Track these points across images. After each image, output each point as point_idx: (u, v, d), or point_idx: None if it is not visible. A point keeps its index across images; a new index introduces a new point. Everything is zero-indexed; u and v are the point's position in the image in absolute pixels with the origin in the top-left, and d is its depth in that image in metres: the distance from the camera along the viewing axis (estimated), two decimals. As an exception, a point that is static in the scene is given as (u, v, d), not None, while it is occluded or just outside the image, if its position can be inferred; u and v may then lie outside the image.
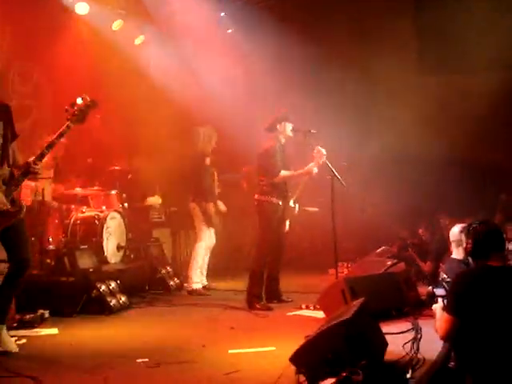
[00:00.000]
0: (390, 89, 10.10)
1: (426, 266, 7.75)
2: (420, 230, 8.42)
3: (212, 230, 7.48)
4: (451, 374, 3.29)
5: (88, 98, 4.65)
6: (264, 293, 6.60)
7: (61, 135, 4.59)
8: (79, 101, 4.64)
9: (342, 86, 10.08)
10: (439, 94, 9.87)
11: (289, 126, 6.61)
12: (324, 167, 6.55)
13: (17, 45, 7.88)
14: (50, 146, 4.55)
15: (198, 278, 7.38)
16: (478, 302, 3.18)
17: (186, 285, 7.44)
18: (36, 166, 4.49)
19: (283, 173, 6.51)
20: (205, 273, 7.57)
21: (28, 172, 4.51)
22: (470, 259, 3.52)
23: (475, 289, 3.23)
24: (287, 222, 6.73)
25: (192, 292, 7.29)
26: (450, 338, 3.32)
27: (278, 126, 6.58)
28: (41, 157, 4.51)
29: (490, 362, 3.14)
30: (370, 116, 10.29)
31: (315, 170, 6.47)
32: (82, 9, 8.49)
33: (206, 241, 7.45)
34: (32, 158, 4.51)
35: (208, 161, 7.47)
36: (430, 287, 4.90)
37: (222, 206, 7.71)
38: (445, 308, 3.37)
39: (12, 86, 8.12)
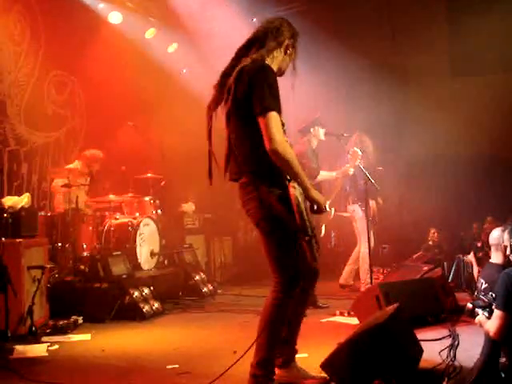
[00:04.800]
0: (423, 90, 9.96)
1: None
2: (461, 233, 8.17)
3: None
4: (503, 370, 3.29)
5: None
6: None
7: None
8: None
9: (375, 88, 9.95)
10: (474, 94, 9.65)
11: (321, 131, 6.67)
12: (358, 171, 6.51)
13: (52, 54, 8.01)
14: None
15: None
16: None
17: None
18: None
19: (322, 173, 6.57)
20: None
21: None
22: None
23: None
24: (323, 227, 6.62)
25: None
26: (502, 334, 3.31)
27: (311, 130, 6.65)
28: None
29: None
30: (404, 118, 10.13)
31: (351, 170, 6.56)
32: (115, 18, 8.63)
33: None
34: None
35: None
36: (469, 304, 4.77)
37: None
38: (496, 306, 3.37)
39: (47, 94, 8.24)
